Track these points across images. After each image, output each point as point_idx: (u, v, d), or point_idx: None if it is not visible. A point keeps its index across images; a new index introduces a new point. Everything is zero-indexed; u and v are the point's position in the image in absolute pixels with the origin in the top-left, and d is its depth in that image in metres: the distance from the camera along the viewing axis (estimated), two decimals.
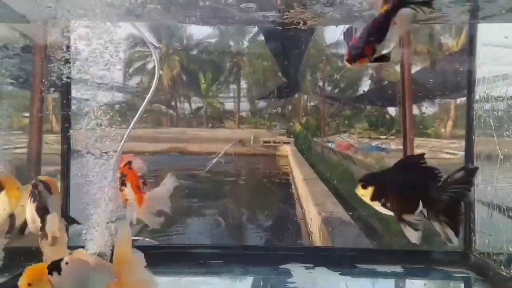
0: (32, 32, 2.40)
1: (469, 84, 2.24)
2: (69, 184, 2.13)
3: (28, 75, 2.57)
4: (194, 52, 21.65)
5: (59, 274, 1.11)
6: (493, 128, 2.11)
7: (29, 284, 1.11)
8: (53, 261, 1.13)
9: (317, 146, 13.68)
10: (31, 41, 2.51)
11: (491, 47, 2.36)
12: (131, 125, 1.87)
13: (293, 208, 5.81)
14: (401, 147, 3.53)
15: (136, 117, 1.87)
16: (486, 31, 2.23)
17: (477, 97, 2.24)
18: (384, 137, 13.37)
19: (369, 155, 10.09)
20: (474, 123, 2.19)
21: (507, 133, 1.96)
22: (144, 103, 1.84)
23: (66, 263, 1.13)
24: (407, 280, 2.16)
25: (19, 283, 1.12)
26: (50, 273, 1.11)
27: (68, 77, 2.00)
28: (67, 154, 2.15)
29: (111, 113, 1.99)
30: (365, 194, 1.11)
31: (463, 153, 2.29)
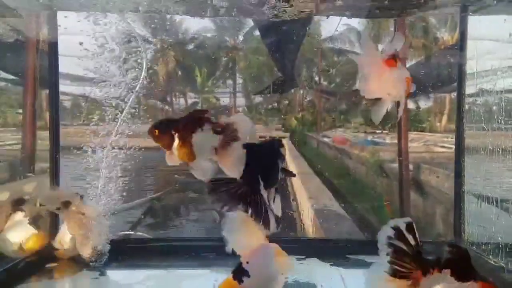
0: (24, 26, 2.39)
1: (460, 78, 2.26)
2: (59, 181, 2.13)
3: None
4: (190, 47, 21.55)
5: (248, 276, 1.10)
6: (483, 121, 2.14)
7: None
8: (235, 270, 1.12)
9: (313, 140, 13.71)
10: (23, 35, 2.49)
11: (482, 41, 2.38)
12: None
13: (287, 201, 5.85)
14: (396, 141, 3.56)
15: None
16: (478, 25, 2.25)
17: (468, 91, 2.26)
18: (380, 131, 13.42)
19: (365, 149, 10.14)
20: (464, 116, 2.22)
21: (495, 125, 1.98)
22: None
23: (247, 262, 1.12)
24: None
25: None
26: (240, 281, 1.10)
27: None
28: (56, 151, 2.13)
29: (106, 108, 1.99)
30: None
31: None
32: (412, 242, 1.10)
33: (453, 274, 1.04)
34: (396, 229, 1.10)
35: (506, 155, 2.03)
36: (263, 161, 1.18)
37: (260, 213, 1.13)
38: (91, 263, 1.89)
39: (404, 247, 1.10)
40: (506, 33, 1.99)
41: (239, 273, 1.09)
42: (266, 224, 1.14)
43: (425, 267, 1.09)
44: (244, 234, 1.16)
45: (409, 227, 1.11)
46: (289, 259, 1.22)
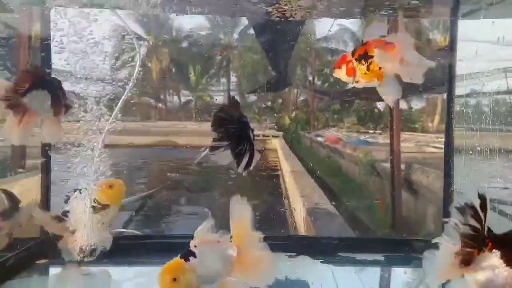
0: (16, 21, 2.37)
1: (450, 80, 2.30)
2: (50, 178, 2.12)
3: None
4: (184, 44, 21.44)
5: (195, 257, 1.17)
6: (471, 122, 2.18)
7: (175, 279, 1.14)
8: (184, 251, 1.20)
9: (306, 139, 13.76)
10: (15, 30, 2.47)
11: (472, 43, 2.42)
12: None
13: (279, 199, 5.88)
14: (388, 141, 3.59)
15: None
16: (468, 27, 2.29)
17: (457, 92, 2.30)
18: (372, 131, 13.52)
19: (357, 148, 10.19)
20: (454, 117, 2.26)
21: (482, 126, 2.02)
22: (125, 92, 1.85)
23: (195, 246, 1.19)
24: (388, 268, 2.23)
25: (161, 282, 1.15)
26: (186, 259, 1.16)
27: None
28: (47, 147, 2.12)
29: (100, 106, 1.99)
30: None
31: None
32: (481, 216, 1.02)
33: (503, 257, 0.99)
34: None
35: (494, 155, 2.07)
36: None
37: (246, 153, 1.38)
38: (82, 259, 1.87)
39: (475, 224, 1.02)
40: (495, 36, 2.03)
41: (186, 253, 1.18)
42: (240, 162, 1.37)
43: (480, 243, 1.02)
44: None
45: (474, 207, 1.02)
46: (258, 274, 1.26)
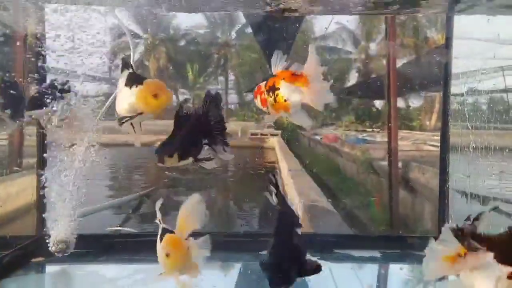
0: (12, 19, 2.36)
1: (445, 78, 2.30)
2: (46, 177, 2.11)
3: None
4: (181, 43, 21.40)
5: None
6: (467, 119, 2.18)
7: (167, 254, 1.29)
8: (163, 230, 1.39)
9: (304, 138, 13.79)
10: (11, 29, 2.46)
11: (469, 41, 2.42)
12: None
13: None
14: (386, 139, 3.60)
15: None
16: (464, 25, 2.29)
17: (453, 90, 2.30)
18: (370, 129, 13.55)
19: (355, 147, 10.22)
20: (450, 114, 2.27)
21: (477, 124, 2.03)
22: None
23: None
24: (385, 265, 2.24)
25: (176, 252, 1.31)
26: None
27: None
28: (42, 146, 2.11)
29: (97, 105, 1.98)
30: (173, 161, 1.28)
31: None
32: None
33: (497, 256, 1.03)
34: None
35: (489, 153, 2.08)
36: None
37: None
38: (56, 254, 1.82)
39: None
40: (491, 33, 2.03)
41: (166, 230, 1.35)
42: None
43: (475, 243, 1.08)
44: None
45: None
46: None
